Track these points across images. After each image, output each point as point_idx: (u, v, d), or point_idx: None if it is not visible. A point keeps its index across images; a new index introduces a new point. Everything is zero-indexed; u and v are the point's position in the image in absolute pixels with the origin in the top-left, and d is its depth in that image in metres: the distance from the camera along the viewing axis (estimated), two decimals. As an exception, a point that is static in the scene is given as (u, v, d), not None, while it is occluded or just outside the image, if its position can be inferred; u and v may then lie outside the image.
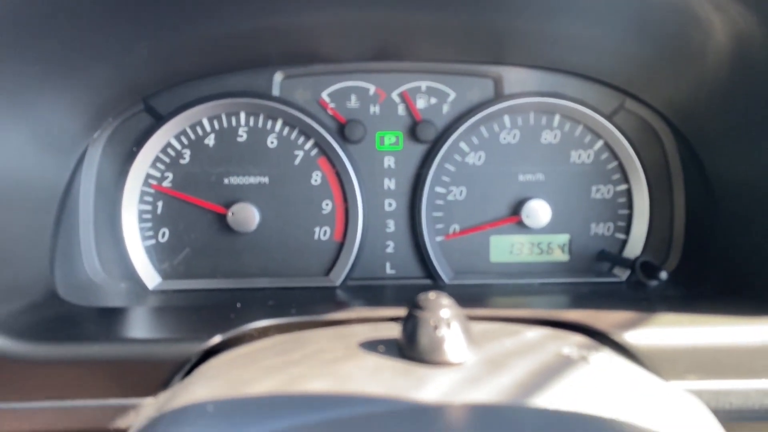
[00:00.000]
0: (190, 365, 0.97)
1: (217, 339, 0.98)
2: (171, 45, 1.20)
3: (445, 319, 0.80)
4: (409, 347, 0.80)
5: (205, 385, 0.81)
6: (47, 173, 1.21)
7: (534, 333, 0.97)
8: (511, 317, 1.07)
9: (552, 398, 0.70)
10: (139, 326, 1.13)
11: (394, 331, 0.89)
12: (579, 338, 0.98)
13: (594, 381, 0.78)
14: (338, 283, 1.41)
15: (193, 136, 1.40)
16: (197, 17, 1.12)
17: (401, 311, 0.99)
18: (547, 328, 1.01)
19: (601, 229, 1.46)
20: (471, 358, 0.80)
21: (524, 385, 0.73)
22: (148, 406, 0.84)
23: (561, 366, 0.81)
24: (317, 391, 0.73)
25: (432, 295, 0.84)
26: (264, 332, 1.05)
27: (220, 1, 1.08)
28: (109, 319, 1.16)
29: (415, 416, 0.65)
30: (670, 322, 1.04)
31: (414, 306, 0.83)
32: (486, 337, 0.91)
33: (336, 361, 0.82)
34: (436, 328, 0.79)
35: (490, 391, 0.71)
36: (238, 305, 1.16)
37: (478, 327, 0.98)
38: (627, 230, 1.45)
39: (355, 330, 0.99)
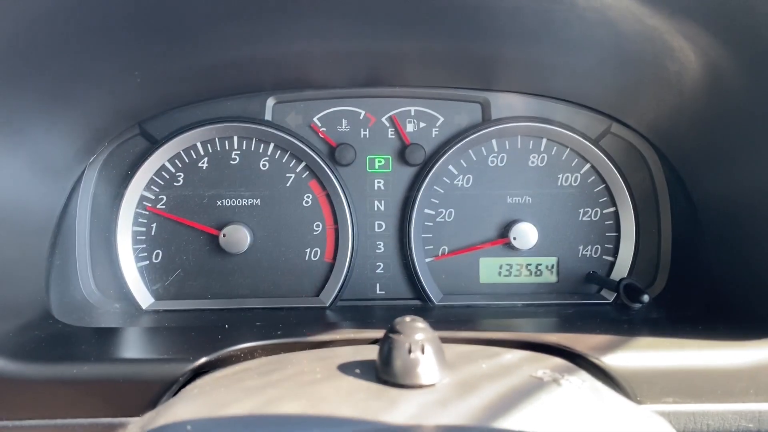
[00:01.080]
0: (178, 385, 0.99)
1: (202, 360, 1.01)
2: (164, 72, 1.24)
3: (419, 342, 0.82)
4: (384, 370, 0.82)
5: (187, 405, 0.83)
6: (43, 197, 1.24)
7: (511, 355, 0.99)
8: (493, 339, 1.09)
9: (518, 420, 0.72)
10: (129, 347, 1.15)
11: (375, 353, 0.91)
12: (557, 361, 0.99)
13: (562, 403, 0.79)
14: (328, 303, 1.43)
15: (187, 160, 1.43)
16: (189, 46, 1.16)
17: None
18: (527, 351, 1.03)
19: (588, 251, 1.48)
20: (443, 380, 0.82)
21: (492, 407, 0.75)
22: (132, 425, 0.86)
23: (531, 388, 0.82)
24: (291, 412, 0.75)
25: (408, 318, 0.87)
26: (251, 353, 1.07)
27: (211, 32, 1.12)
28: (100, 340, 1.18)
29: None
30: (649, 345, 1.06)
31: (391, 329, 0.85)
32: (463, 360, 0.93)
33: (313, 383, 0.84)
34: (410, 351, 0.81)
35: (458, 413, 0.73)
36: (226, 326, 1.18)
37: (458, 349, 1.00)
38: (615, 252, 1.47)
39: (336, 352, 1.01)
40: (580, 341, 1.06)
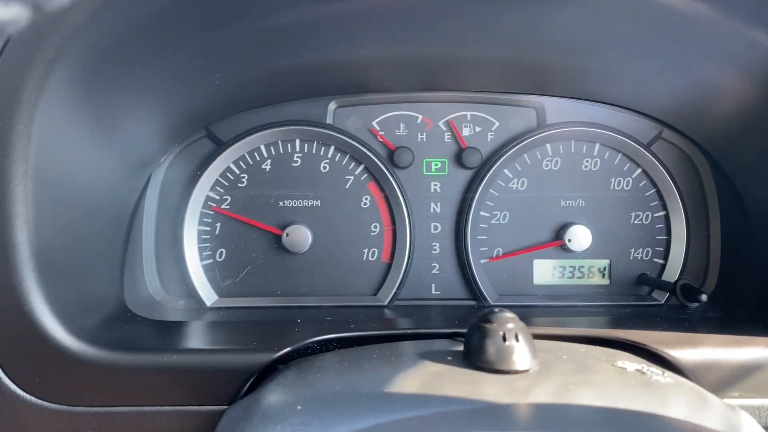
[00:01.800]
0: (255, 376, 1.03)
1: (287, 349, 1.04)
2: (240, 77, 1.29)
3: (513, 330, 0.85)
4: (478, 357, 0.86)
5: (287, 390, 0.87)
6: (123, 191, 1.29)
7: (586, 349, 1.02)
8: (558, 335, 1.12)
9: (619, 401, 0.76)
10: (209, 338, 1.19)
11: (449, 346, 0.95)
12: (628, 354, 1.03)
13: (654, 390, 0.83)
14: (386, 302, 1.47)
15: (251, 161, 1.48)
16: (267, 52, 1.21)
17: (449, 330, 1.06)
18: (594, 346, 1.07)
19: (640, 253, 1.51)
20: (535, 367, 0.85)
21: (590, 391, 0.78)
22: (232, 410, 0.90)
23: (620, 375, 0.86)
24: (398, 391, 0.78)
25: (496, 308, 0.90)
26: (326, 346, 1.11)
27: (290, 37, 1.17)
28: (178, 332, 1.22)
29: (498, 415, 0.71)
30: (713, 340, 1.09)
31: (481, 319, 0.89)
32: (544, 351, 0.96)
33: (407, 368, 0.88)
34: (504, 338, 0.85)
35: (559, 393, 0.77)
36: (299, 321, 1.22)
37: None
38: (665, 255, 1.50)
39: (412, 345, 1.04)
40: (646, 337, 1.09)
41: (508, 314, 0.88)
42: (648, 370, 0.90)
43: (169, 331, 1.20)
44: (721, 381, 1.05)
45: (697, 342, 1.08)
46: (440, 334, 1.11)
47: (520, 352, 0.84)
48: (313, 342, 1.08)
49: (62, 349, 0.99)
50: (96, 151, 1.10)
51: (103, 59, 0.98)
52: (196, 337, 1.17)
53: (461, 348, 0.92)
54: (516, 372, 0.83)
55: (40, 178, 0.95)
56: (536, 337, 1.10)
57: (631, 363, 0.94)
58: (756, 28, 1.05)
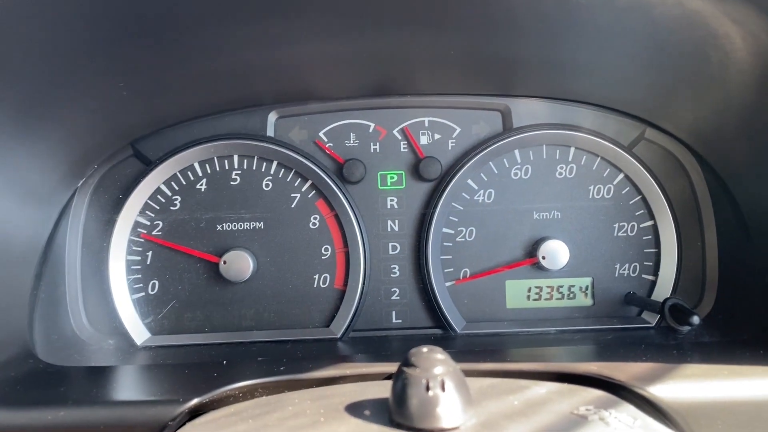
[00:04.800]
0: (171, 430, 0.87)
1: (194, 401, 0.89)
2: (154, 84, 1.14)
3: (438, 377, 0.69)
4: (398, 411, 0.69)
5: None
6: (26, 225, 1.14)
7: (546, 389, 0.86)
8: (524, 371, 0.96)
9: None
10: (116, 388, 1.03)
11: (388, 390, 0.78)
12: (599, 394, 0.86)
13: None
14: (339, 334, 1.30)
15: (184, 182, 1.33)
16: (178, 53, 1.06)
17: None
18: (563, 383, 0.90)
19: (626, 269, 1.34)
20: (468, 422, 0.68)
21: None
22: None
23: (574, 428, 0.69)
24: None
25: (425, 348, 0.74)
26: (250, 392, 0.95)
27: (201, 36, 1.02)
28: (84, 380, 1.06)
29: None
30: (704, 373, 0.93)
31: (405, 362, 0.72)
32: (490, 396, 0.80)
33: (315, 427, 0.72)
34: (428, 387, 0.68)
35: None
36: (224, 363, 1.06)
37: (484, 383, 0.87)
38: (655, 270, 1.33)
39: (344, 390, 0.89)
40: (624, 370, 0.93)
41: (437, 355, 0.72)
42: (614, 417, 0.73)
43: (70, 380, 1.04)
44: (713, 422, 0.87)
45: (684, 376, 0.91)
46: (377, 375, 0.94)
47: (447, 405, 0.67)
48: (228, 390, 0.92)
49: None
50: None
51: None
52: (97, 387, 1.01)
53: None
54: (441, 431, 0.66)
55: None
56: (496, 374, 0.95)
57: (596, 409, 0.76)
58: (734, 4, 0.88)
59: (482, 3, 0.98)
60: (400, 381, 0.71)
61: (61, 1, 0.84)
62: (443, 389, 0.68)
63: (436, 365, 0.70)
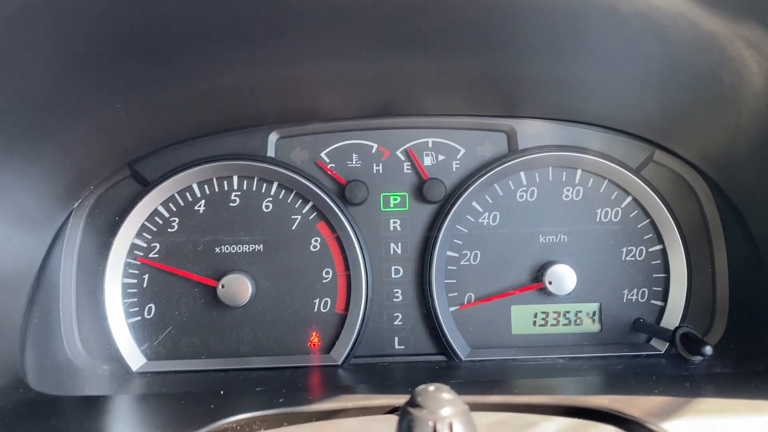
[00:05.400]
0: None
1: (187, 438, 0.85)
2: (152, 104, 1.11)
3: (447, 419, 0.65)
4: (404, 455, 0.65)
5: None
6: (18, 248, 1.11)
7: (555, 426, 0.82)
8: (532, 404, 0.92)
9: None
10: (106, 421, 1.00)
11: (392, 425, 0.75)
12: (610, 430, 0.82)
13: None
14: (340, 361, 1.27)
15: (182, 203, 1.29)
16: (177, 72, 1.03)
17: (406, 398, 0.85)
18: (574, 417, 0.87)
19: (634, 295, 1.30)
20: (479, 469, 0.65)
21: None
22: None
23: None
24: None
25: (431, 387, 0.70)
26: (248, 425, 0.92)
27: (201, 55, 0.99)
28: (80, 412, 1.03)
29: None
30: (720, 408, 0.90)
31: (411, 402, 0.69)
32: (501, 435, 0.76)
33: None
34: (435, 430, 0.64)
35: None
36: (221, 393, 1.02)
37: (490, 418, 0.83)
38: (664, 296, 1.30)
39: (347, 425, 0.85)
40: (637, 404, 0.90)
41: (444, 395, 0.68)
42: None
43: (60, 411, 1.00)
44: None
45: (700, 411, 0.88)
46: (381, 408, 0.91)
47: (456, 451, 0.63)
48: (224, 425, 0.88)
49: None
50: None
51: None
52: (87, 421, 0.97)
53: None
54: (450, 478, 0.63)
55: None
56: (505, 408, 0.92)
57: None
58: (750, 27, 0.86)
59: (488, 23, 0.95)
60: (405, 422, 0.67)
61: (59, 22, 0.81)
62: (451, 431, 0.64)
63: (444, 406, 0.67)
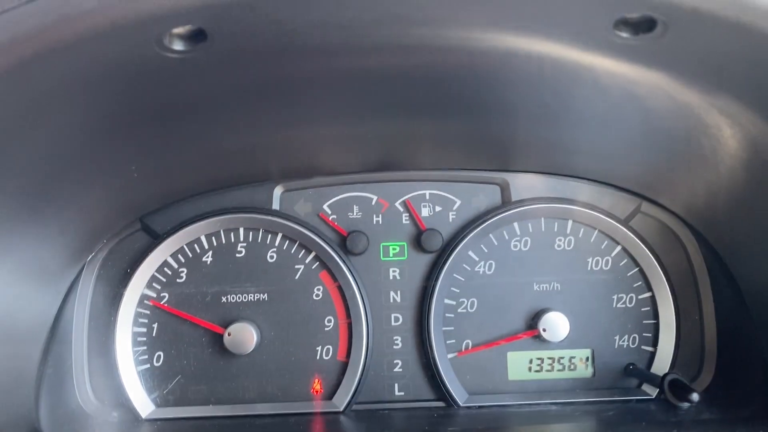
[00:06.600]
0: None
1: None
2: (164, 165, 1.17)
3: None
4: None
5: None
6: (35, 302, 1.16)
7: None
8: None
9: None
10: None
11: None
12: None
13: None
14: (342, 407, 1.31)
15: (190, 254, 1.35)
16: (189, 137, 1.10)
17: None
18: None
19: (625, 341, 1.35)
20: None
21: None
22: None
23: None
24: None
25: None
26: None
27: (211, 120, 1.06)
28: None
29: None
30: None
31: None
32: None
33: None
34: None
35: None
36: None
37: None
38: (654, 342, 1.34)
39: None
40: (627, 452, 0.93)
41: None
42: None
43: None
44: None
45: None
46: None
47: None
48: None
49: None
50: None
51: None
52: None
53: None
54: None
55: None
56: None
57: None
58: (724, 99, 0.92)
59: (483, 93, 1.02)
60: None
61: (80, 99, 0.88)
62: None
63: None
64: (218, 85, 0.93)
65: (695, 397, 1.13)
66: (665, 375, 1.22)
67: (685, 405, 1.20)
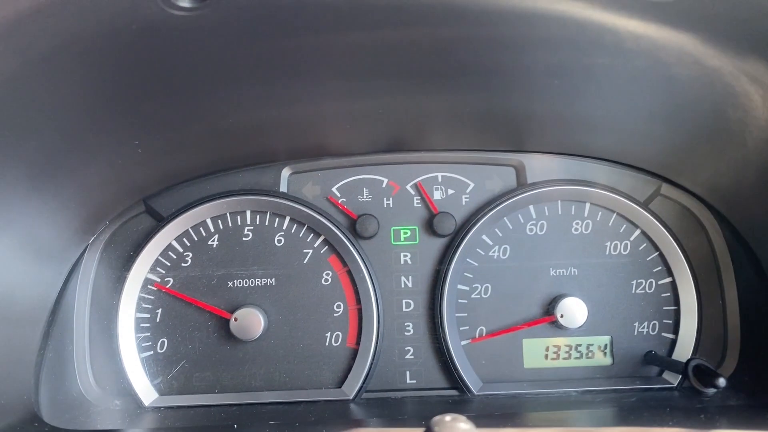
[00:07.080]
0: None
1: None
2: (168, 142, 1.14)
3: (465, 452, 0.66)
4: (422, 488, 0.66)
5: None
6: (36, 283, 1.12)
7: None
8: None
9: None
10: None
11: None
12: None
13: None
14: (352, 395, 1.26)
15: (195, 237, 1.31)
16: (193, 113, 1.06)
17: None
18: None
19: (645, 328, 1.30)
20: (497, 502, 0.65)
21: None
22: None
23: None
24: None
25: (448, 417, 0.71)
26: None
27: (216, 97, 1.02)
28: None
29: None
30: None
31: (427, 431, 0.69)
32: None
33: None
34: (453, 461, 0.65)
35: None
36: (235, 426, 1.02)
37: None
38: (675, 329, 1.30)
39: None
40: (653, 440, 0.89)
41: (461, 425, 0.68)
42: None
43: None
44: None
45: (718, 445, 0.87)
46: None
47: (474, 483, 0.64)
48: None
49: None
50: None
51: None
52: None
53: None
54: None
55: None
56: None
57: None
58: (754, 63, 0.88)
59: (496, 62, 0.98)
60: (423, 453, 0.67)
61: (85, 65, 0.85)
62: (470, 464, 0.65)
63: (462, 437, 0.67)
64: (224, 51, 0.89)
65: (722, 382, 1.09)
66: (689, 360, 1.18)
67: (711, 391, 1.15)
